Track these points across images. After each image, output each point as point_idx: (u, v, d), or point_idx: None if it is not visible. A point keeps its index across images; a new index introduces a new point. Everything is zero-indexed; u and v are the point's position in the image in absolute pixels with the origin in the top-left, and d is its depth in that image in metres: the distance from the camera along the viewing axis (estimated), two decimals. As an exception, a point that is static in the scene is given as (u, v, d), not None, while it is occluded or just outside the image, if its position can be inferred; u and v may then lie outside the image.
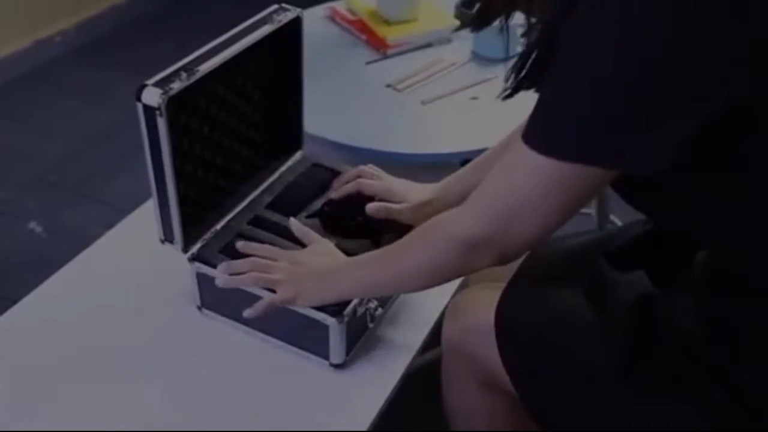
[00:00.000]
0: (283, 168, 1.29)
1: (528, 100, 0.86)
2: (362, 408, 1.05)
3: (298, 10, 1.19)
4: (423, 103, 1.65)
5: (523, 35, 0.89)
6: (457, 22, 1.85)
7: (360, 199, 1.22)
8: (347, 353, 1.10)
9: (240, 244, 1.11)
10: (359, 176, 1.22)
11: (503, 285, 1.08)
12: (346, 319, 1.05)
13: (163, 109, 0.98)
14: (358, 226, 1.18)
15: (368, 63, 1.79)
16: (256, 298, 1.08)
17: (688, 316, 0.90)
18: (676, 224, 0.95)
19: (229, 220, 1.19)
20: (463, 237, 0.87)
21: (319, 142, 1.52)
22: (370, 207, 1.17)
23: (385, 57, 1.80)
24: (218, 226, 1.17)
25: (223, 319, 1.16)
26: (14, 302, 1.19)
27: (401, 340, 1.15)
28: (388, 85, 1.70)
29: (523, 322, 1.03)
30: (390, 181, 1.23)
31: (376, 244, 1.15)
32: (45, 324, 1.16)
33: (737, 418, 0.86)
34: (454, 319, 1.14)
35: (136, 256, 1.25)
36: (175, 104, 1.01)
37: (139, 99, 0.99)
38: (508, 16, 0.89)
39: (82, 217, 2.24)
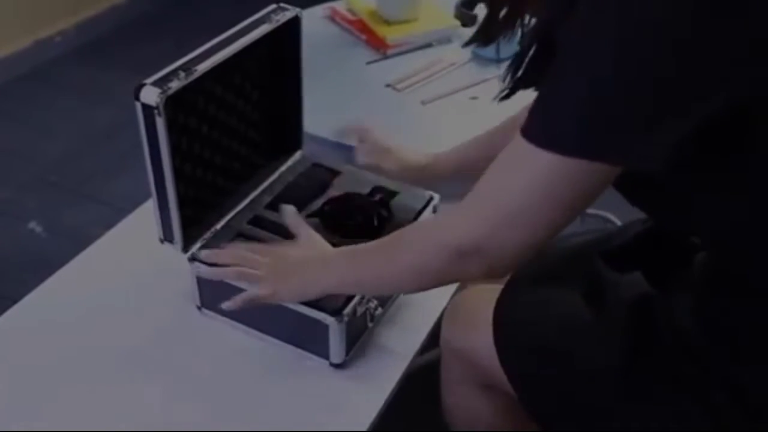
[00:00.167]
0: (283, 168, 1.29)
1: (527, 99, 0.85)
2: (362, 408, 1.05)
3: (297, 9, 1.19)
4: (423, 103, 1.65)
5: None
6: (458, 23, 1.85)
7: (360, 199, 1.22)
8: (347, 353, 1.09)
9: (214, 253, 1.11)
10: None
11: (502, 286, 1.08)
12: (346, 318, 1.05)
13: (161, 108, 0.98)
14: (358, 226, 1.18)
15: (368, 63, 1.79)
16: (256, 298, 1.08)
17: (687, 316, 0.90)
18: (676, 224, 0.96)
19: (229, 220, 1.19)
20: (457, 245, 0.84)
21: (319, 142, 1.52)
22: (361, 157, 1.22)
23: (385, 57, 1.79)
24: (218, 226, 1.17)
25: (223, 319, 1.15)
26: (14, 302, 1.19)
27: (401, 341, 1.15)
28: (388, 85, 1.70)
29: (522, 322, 1.03)
30: (390, 141, 1.27)
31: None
32: (45, 324, 1.16)
33: (737, 418, 0.86)
34: (453, 320, 1.14)
35: (136, 256, 1.25)
36: (174, 103, 1.01)
37: (137, 98, 0.99)
38: (512, 30, 0.88)
39: (82, 217, 2.24)
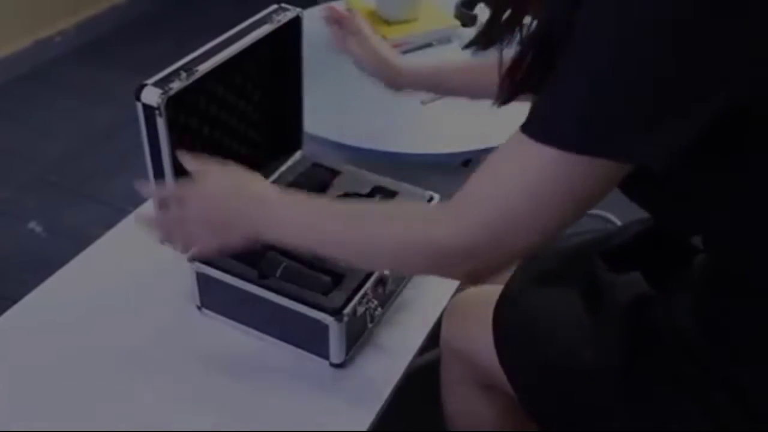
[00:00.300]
0: (283, 168, 1.29)
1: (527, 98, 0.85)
2: (362, 408, 1.05)
3: (298, 9, 1.19)
4: (423, 103, 1.65)
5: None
6: (458, 23, 1.85)
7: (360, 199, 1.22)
8: (347, 353, 1.10)
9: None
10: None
11: (501, 286, 1.08)
12: (346, 319, 1.05)
13: (162, 108, 0.98)
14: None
15: (368, 63, 1.79)
16: (257, 298, 1.08)
17: (687, 316, 0.90)
18: (677, 223, 0.95)
19: (229, 220, 1.19)
20: (446, 248, 0.79)
21: (319, 142, 1.52)
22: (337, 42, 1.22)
23: (385, 57, 1.79)
24: (218, 226, 1.17)
25: (223, 319, 1.16)
26: (14, 302, 1.19)
27: (401, 341, 1.15)
28: (388, 85, 1.70)
29: (522, 323, 1.03)
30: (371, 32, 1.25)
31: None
32: (45, 324, 1.16)
33: (737, 418, 0.86)
34: (453, 320, 1.14)
35: (136, 256, 1.25)
36: (175, 104, 1.01)
37: (138, 98, 0.99)
38: (513, 32, 0.86)
39: (82, 217, 2.24)
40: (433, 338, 1.17)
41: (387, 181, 1.27)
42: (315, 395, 1.07)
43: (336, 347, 1.08)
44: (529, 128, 0.76)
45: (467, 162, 1.78)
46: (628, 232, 1.08)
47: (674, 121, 0.73)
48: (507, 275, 1.09)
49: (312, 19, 1.27)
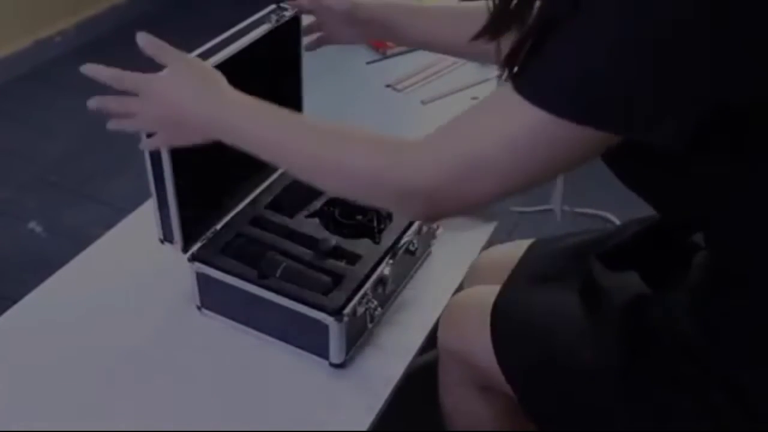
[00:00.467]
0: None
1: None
2: (362, 408, 1.05)
3: (297, 9, 1.19)
4: (423, 103, 1.65)
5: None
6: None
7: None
8: (347, 353, 1.10)
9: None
10: None
11: (497, 287, 1.07)
12: (345, 319, 1.05)
13: (162, 109, 0.98)
14: (358, 226, 1.18)
15: (368, 63, 1.79)
16: (257, 298, 1.08)
17: (686, 316, 0.90)
18: (680, 219, 0.96)
19: (229, 220, 1.19)
20: (413, 187, 0.80)
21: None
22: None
23: (385, 57, 1.80)
24: (218, 226, 1.17)
25: (223, 319, 1.16)
26: (14, 302, 1.19)
27: (401, 341, 1.15)
28: (388, 85, 1.70)
29: (520, 323, 1.03)
30: None
31: (376, 244, 1.16)
32: (45, 324, 1.16)
33: (737, 418, 0.86)
34: (449, 322, 1.14)
35: (136, 256, 1.25)
36: (175, 104, 1.00)
37: (138, 99, 0.99)
38: (522, 21, 0.85)
39: (82, 217, 2.24)
40: (433, 338, 1.17)
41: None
42: (315, 395, 1.07)
43: (336, 347, 1.08)
44: (520, 87, 0.75)
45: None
46: (626, 232, 1.08)
47: (673, 121, 0.73)
48: (504, 275, 1.10)
49: (311, 19, 1.27)
